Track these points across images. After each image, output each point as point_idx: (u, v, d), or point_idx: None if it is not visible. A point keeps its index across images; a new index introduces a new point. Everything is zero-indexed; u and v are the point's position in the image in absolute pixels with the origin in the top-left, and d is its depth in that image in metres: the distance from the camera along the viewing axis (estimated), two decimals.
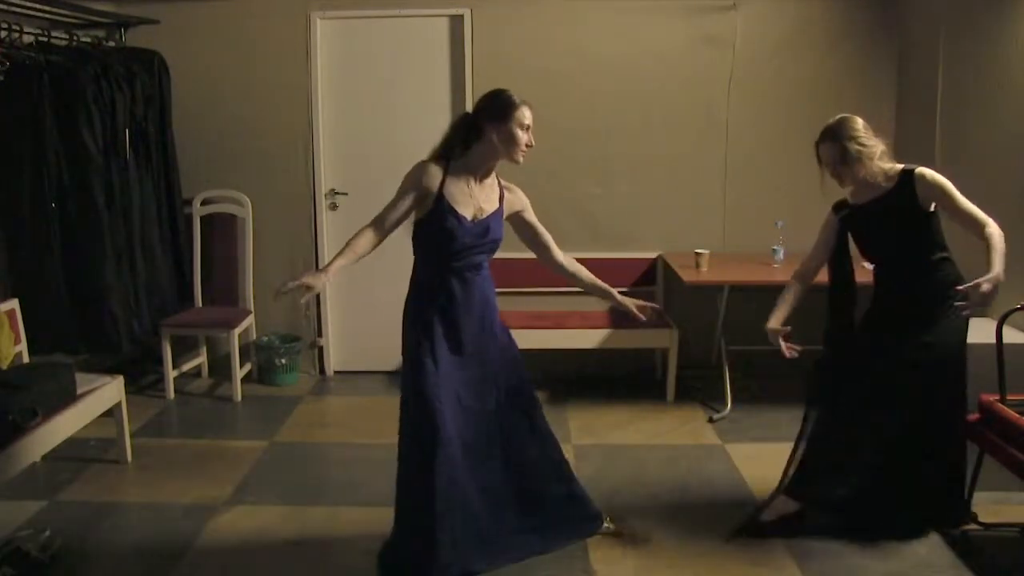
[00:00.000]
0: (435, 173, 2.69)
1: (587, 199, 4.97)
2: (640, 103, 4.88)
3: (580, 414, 4.45)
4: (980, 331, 3.46)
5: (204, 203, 4.97)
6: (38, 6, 4.05)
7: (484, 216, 2.73)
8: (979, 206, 4.11)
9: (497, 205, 2.79)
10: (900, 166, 2.98)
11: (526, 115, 2.71)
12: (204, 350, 5.08)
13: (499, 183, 2.85)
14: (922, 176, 2.93)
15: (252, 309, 5.00)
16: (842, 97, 4.84)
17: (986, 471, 3.10)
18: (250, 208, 4.94)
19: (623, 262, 4.94)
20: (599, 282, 2.99)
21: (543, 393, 4.76)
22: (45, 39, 4.15)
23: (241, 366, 4.79)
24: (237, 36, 4.89)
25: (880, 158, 2.95)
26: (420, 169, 2.70)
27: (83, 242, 4.10)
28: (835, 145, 2.93)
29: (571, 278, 3.00)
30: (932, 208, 2.95)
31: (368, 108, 4.99)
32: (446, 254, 2.70)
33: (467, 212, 2.70)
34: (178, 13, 4.84)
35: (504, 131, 2.68)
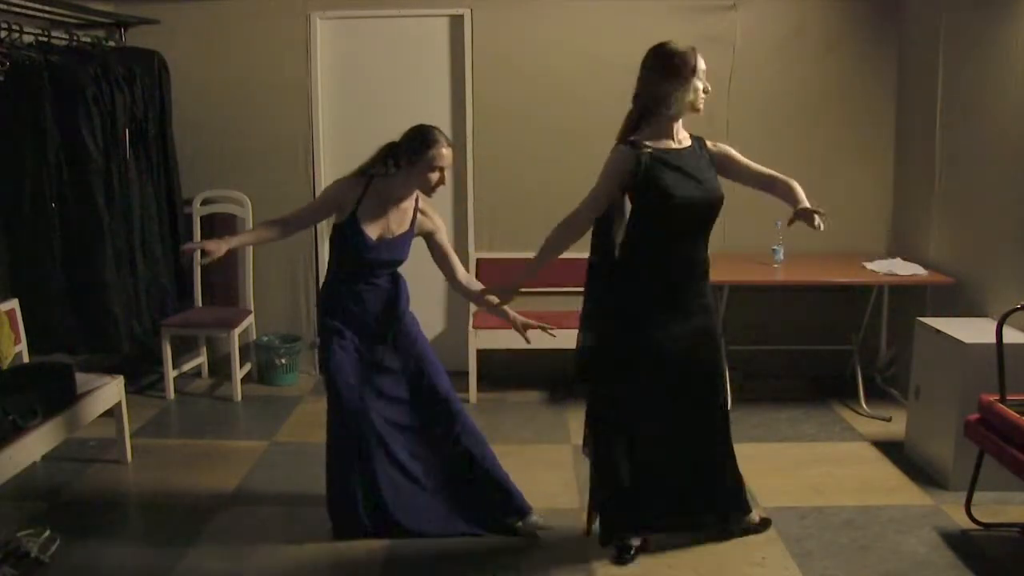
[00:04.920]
0: (353, 192, 2.95)
1: None
2: None
3: (580, 415, 4.41)
4: (980, 331, 3.47)
5: (204, 203, 4.97)
6: (38, 6, 4.04)
7: (392, 237, 3.00)
8: (978, 205, 4.13)
9: (407, 228, 3.03)
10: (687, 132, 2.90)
11: (440, 157, 2.89)
12: (204, 350, 5.08)
13: (416, 206, 3.06)
14: (713, 143, 2.91)
15: (252, 309, 5.00)
16: (842, 97, 4.86)
17: (986, 471, 3.10)
18: (250, 208, 4.94)
19: None
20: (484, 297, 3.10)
21: (543, 393, 4.78)
22: (45, 39, 4.14)
23: (241, 366, 4.79)
24: (237, 36, 4.89)
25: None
26: (338, 186, 2.98)
27: (83, 242, 4.10)
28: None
29: (469, 298, 3.23)
30: None
31: (368, 108, 4.99)
32: (350, 264, 3.00)
33: (374, 233, 2.96)
34: (178, 13, 4.84)
35: (416, 168, 2.90)
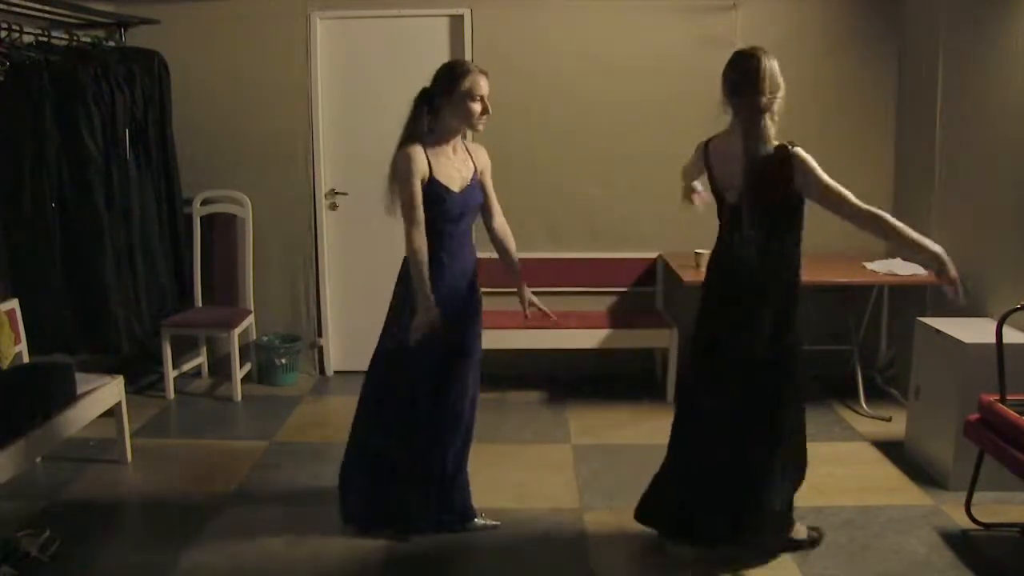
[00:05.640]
0: (421, 156, 2.80)
1: (587, 199, 4.96)
2: (640, 103, 4.88)
3: (580, 414, 4.45)
4: (980, 331, 3.47)
5: (204, 203, 4.97)
6: (38, 6, 4.04)
7: (467, 184, 2.91)
8: (978, 205, 4.13)
9: (473, 167, 2.95)
10: None
11: (478, 85, 2.78)
12: (204, 350, 5.08)
13: (465, 146, 2.98)
14: None
15: (252, 309, 5.00)
16: (842, 96, 4.86)
17: (986, 471, 3.10)
18: (250, 208, 4.94)
19: (623, 262, 4.93)
20: (516, 266, 3.15)
21: (543, 393, 4.79)
22: (45, 39, 4.14)
23: (241, 366, 4.79)
24: (237, 36, 4.89)
25: None
26: (409, 157, 2.79)
27: (83, 242, 4.10)
28: None
29: (497, 246, 3.16)
30: None
31: (368, 108, 4.98)
32: (439, 225, 2.86)
33: (456, 185, 2.87)
34: (178, 13, 4.84)
35: (454, 102, 2.78)
